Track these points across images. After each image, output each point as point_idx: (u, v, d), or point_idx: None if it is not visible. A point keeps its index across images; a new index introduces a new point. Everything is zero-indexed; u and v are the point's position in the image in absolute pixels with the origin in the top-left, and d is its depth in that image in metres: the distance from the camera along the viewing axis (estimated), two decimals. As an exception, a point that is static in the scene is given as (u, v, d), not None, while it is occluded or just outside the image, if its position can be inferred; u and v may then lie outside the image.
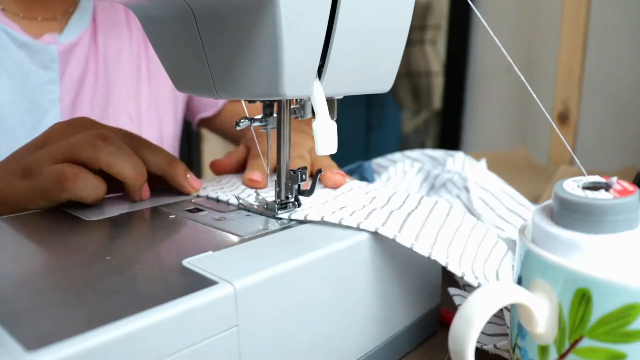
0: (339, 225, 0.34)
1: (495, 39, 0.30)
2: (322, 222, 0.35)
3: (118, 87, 0.67)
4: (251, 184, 0.44)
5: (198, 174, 0.84)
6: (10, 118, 0.58)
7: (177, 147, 0.77)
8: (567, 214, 0.24)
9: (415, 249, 0.32)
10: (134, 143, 0.41)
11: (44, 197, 0.37)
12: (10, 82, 0.58)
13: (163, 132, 0.72)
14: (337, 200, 0.40)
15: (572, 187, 0.25)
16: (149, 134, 0.69)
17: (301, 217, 0.35)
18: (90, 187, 0.37)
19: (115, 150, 0.37)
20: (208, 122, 0.81)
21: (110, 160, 0.37)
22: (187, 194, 0.42)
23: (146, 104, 0.70)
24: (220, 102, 0.78)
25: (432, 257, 0.32)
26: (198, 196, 0.42)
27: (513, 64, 0.31)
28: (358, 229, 0.33)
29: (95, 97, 0.65)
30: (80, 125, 0.41)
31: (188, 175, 0.42)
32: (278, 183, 0.37)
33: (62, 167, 0.36)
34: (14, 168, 0.39)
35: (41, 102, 0.60)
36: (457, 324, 0.24)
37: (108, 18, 0.66)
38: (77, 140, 0.38)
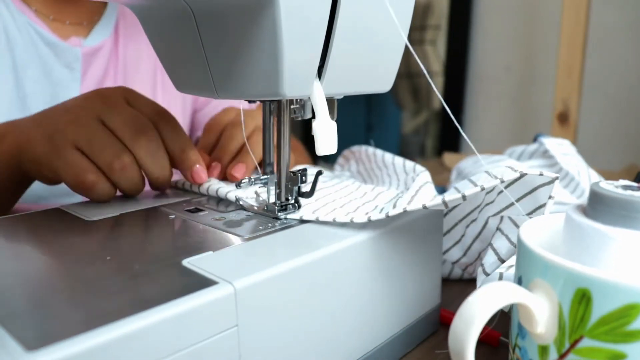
0: (338, 225, 0.34)
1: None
2: (322, 222, 0.35)
3: None
4: (231, 179, 0.46)
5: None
6: (34, 110, 0.60)
7: None
8: (605, 209, 0.25)
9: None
10: (160, 122, 0.42)
11: (52, 178, 0.41)
12: (36, 76, 0.61)
13: None
14: (338, 200, 0.40)
15: (609, 186, 0.25)
16: None
17: (307, 217, 0.36)
18: (102, 193, 0.39)
19: (153, 150, 0.40)
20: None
21: (143, 158, 0.40)
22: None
23: None
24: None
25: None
26: (201, 195, 0.42)
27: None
28: (352, 222, 0.33)
29: None
30: (112, 97, 0.42)
31: (197, 166, 0.42)
32: (278, 185, 0.37)
33: (85, 171, 0.38)
34: (44, 126, 0.42)
35: (62, 98, 0.62)
36: (457, 324, 0.24)
37: (129, 28, 0.70)
38: (106, 139, 0.39)
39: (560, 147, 0.57)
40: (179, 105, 0.75)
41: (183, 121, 0.77)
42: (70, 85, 0.64)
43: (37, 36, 0.61)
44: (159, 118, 0.42)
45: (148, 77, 0.72)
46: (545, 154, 0.58)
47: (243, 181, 0.38)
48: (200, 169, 0.42)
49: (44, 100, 0.62)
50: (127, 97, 0.43)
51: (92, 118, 0.40)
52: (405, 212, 0.34)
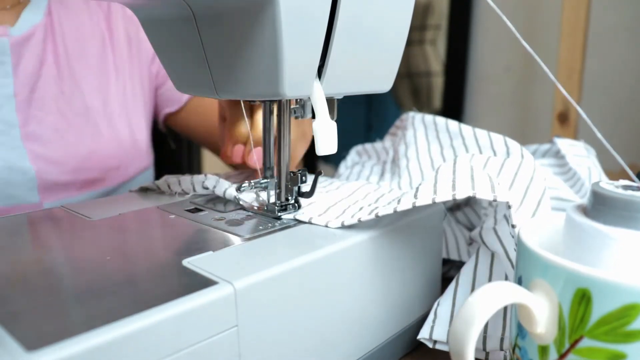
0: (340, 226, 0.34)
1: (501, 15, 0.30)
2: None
3: (83, 80, 0.64)
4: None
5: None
6: None
7: (149, 141, 0.73)
8: (605, 210, 0.25)
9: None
10: None
11: None
12: None
13: (133, 127, 0.69)
14: (339, 202, 0.40)
15: (609, 186, 0.25)
16: (120, 128, 0.67)
17: (305, 219, 0.35)
18: None
19: None
20: (173, 119, 0.76)
21: None
22: None
23: (114, 97, 0.66)
24: (185, 97, 0.74)
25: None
26: (200, 195, 0.42)
27: (519, 37, 0.31)
28: (359, 221, 0.33)
29: (60, 91, 0.62)
30: None
31: None
32: (278, 185, 0.37)
33: None
34: None
35: None
36: (457, 324, 0.24)
37: (66, 9, 0.63)
38: None
39: (573, 148, 0.57)
40: (137, 86, 0.69)
41: (143, 101, 0.71)
42: (1, 82, 0.57)
43: None
44: None
45: (96, 60, 0.65)
46: (558, 154, 0.58)
47: (243, 185, 0.38)
48: None
49: None
50: None
51: None
52: (404, 211, 0.34)
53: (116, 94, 0.67)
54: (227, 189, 0.40)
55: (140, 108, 0.71)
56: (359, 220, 0.33)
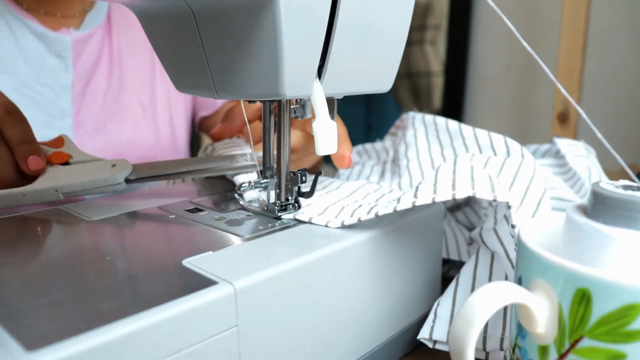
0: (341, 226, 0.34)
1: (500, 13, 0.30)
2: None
3: (132, 76, 0.71)
4: None
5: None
6: (25, 98, 0.63)
7: (187, 140, 0.79)
8: (605, 210, 0.25)
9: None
10: (5, 118, 0.42)
11: None
12: (26, 68, 0.63)
13: (174, 124, 0.75)
14: (339, 201, 0.40)
15: (609, 186, 0.25)
16: (161, 124, 0.73)
17: (305, 219, 0.35)
18: None
19: None
20: (207, 122, 0.83)
21: None
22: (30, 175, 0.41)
23: (159, 93, 0.73)
24: (219, 103, 0.80)
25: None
26: (200, 195, 0.42)
27: (519, 36, 0.31)
28: (359, 221, 0.33)
29: (109, 85, 0.69)
30: None
31: (31, 157, 0.41)
32: (278, 185, 0.37)
33: None
34: None
35: (53, 87, 0.64)
36: (457, 324, 0.24)
37: (122, 14, 0.71)
38: None
39: (573, 148, 0.57)
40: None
41: (184, 102, 0.77)
42: (61, 74, 0.65)
43: (26, 29, 0.62)
44: (5, 113, 0.42)
45: (145, 61, 0.73)
46: (558, 154, 0.58)
47: (243, 185, 0.38)
48: (34, 158, 0.41)
49: (34, 89, 0.64)
50: None
51: None
52: (404, 211, 0.34)
53: (161, 91, 0.74)
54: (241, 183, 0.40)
55: (182, 107, 0.77)
56: (359, 220, 0.33)
